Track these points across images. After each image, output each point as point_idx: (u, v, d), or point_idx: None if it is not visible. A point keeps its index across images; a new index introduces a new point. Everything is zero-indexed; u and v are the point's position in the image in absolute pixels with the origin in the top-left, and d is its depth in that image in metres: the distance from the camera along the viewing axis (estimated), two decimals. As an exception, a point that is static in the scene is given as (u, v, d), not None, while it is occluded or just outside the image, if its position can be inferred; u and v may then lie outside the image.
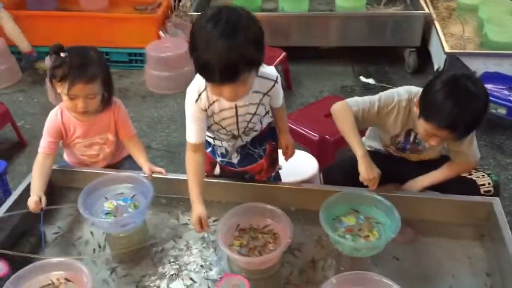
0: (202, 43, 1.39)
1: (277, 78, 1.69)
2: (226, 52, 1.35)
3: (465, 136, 1.77)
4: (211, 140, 1.88)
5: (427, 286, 1.60)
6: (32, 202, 1.79)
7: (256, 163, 1.91)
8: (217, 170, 1.99)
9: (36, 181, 1.87)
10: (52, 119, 1.98)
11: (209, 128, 1.76)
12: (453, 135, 1.70)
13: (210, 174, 1.98)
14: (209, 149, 1.92)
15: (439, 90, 1.67)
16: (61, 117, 1.97)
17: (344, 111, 1.91)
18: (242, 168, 1.92)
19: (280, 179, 2.06)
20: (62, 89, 1.86)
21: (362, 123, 1.93)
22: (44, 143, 1.96)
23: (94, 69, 1.86)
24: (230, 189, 1.93)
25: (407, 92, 1.88)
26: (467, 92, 1.64)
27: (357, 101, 1.92)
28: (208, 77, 1.45)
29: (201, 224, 1.63)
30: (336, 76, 3.90)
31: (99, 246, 1.79)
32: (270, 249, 1.65)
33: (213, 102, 1.64)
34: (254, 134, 1.84)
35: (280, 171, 2.11)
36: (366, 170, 1.78)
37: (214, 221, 1.83)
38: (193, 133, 1.70)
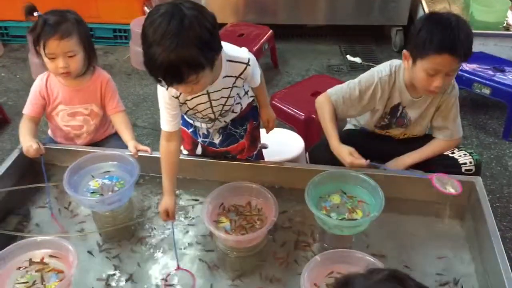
0: (147, 43, 1.36)
1: (248, 61, 1.64)
2: (168, 55, 1.32)
3: (465, 58, 1.73)
4: (191, 121, 1.88)
5: (409, 263, 1.63)
6: (31, 149, 1.83)
7: (237, 143, 1.91)
8: (198, 150, 1.99)
9: (26, 134, 1.90)
10: (37, 82, 2.01)
11: (185, 114, 1.75)
12: (454, 57, 1.69)
13: (192, 154, 1.98)
14: (191, 130, 1.92)
15: (423, 25, 1.72)
16: (46, 81, 2.00)
17: (323, 103, 1.96)
18: (224, 148, 1.92)
19: (262, 158, 2.06)
20: (42, 51, 1.88)
21: (346, 111, 1.94)
22: (28, 105, 2.01)
23: (69, 25, 1.86)
24: (216, 167, 1.94)
25: (388, 66, 1.89)
26: (449, 17, 1.72)
27: (336, 89, 1.94)
28: (155, 79, 1.41)
29: (167, 215, 1.65)
30: (323, 55, 3.89)
31: (85, 224, 1.79)
32: (256, 227, 1.67)
33: None
34: (233, 115, 1.84)
35: (265, 150, 2.12)
36: (345, 157, 1.82)
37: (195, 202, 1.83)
38: (165, 121, 1.67)
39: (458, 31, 1.68)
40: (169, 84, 1.42)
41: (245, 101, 1.84)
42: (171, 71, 1.35)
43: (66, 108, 2.02)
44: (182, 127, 1.88)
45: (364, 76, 1.92)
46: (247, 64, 1.65)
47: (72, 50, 1.89)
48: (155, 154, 1.95)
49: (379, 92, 1.89)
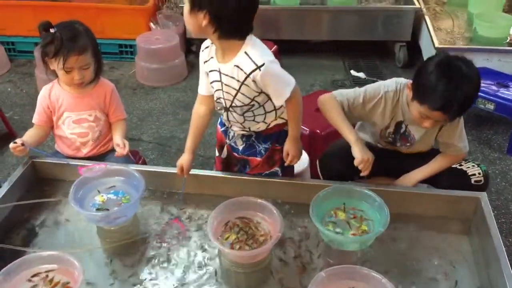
0: None
1: (261, 65, 1.61)
2: None
3: (456, 117, 1.79)
4: (225, 122, 1.91)
5: (415, 279, 1.62)
6: (11, 145, 1.89)
7: (256, 157, 1.92)
8: (224, 153, 2.00)
9: (24, 136, 1.98)
10: (42, 93, 2.09)
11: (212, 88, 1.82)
12: (445, 116, 1.72)
13: (219, 155, 2.04)
14: (223, 129, 1.97)
15: (432, 72, 1.70)
16: (50, 91, 2.07)
17: (330, 101, 1.94)
18: (245, 156, 1.93)
19: (292, 174, 2.07)
20: (57, 64, 1.94)
21: (348, 114, 1.94)
22: (35, 115, 2.08)
23: (85, 40, 1.95)
24: (221, 182, 1.94)
25: (394, 83, 1.91)
26: (460, 73, 1.68)
27: (342, 92, 1.96)
28: None
29: (182, 170, 1.86)
30: (327, 70, 3.91)
31: (92, 239, 1.79)
32: (260, 243, 1.66)
33: (210, 58, 1.75)
34: (256, 125, 1.82)
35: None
36: (360, 152, 1.80)
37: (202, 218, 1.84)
38: (200, 84, 1.86)
39: (461, 91, 1.66)
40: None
41: (271, 118, 1.82)
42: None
43: (71, 114, 2.06)
44: (218, 125, 2.00)
45: (371, 87, 1.94)
46: (258, 67, 1.62)
47: (88, 63, 1.97)
48: (161, 169, 1.97)
49: (381, 105, 1.90)
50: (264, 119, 1.81)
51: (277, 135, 1.88)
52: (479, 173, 1.94)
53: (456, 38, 3.53)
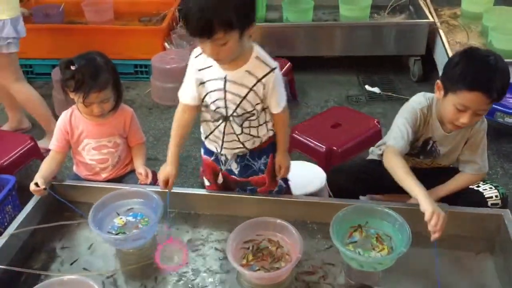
0: None
1: (274, 69, 1.66)
2: (203, 6, 1.43)
3: (498, 98, 1.70)
4: (213, 149, 1.88)
5: (438, 300, 1.59)
6: (31, 186, 1.89)
7: (257, 176, 1.91)
8: (220, 180, 1.98)
9: (39, 172, 1.98)
10: (61, 118, 2.09)
11: (202, 102, 1.76)
12: (486, 97, 1.67)
13: (213, 183, 1.99)
14: (212, 158, 1.92)
15: (459, 61, 1.71)
16: (70, 116, 2.07)
17: (392, 157, 1.82)
18: (244, 178, 1.92)
19: (290, 192, 2.05)
20: (76, 98, 1.95)
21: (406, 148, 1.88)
22: (54, 141, 2.09)
23: (105, 76, 1.95)
24: (239, 203, 1.93)
25: (423, 97, 1.89)
26: (487, 56, 1.69)
27: (395, 138, 1.86)
28: (187, 29, 1.51)
29: (166, 183, 1.78)
30: (342, 86, 3.90)
31: (111, 262, 1.79)
32: (280, 264, 1.65)
33: (208, 67, 1.68)
34: (249, 139, 1.80)
35: (290, 183, 2.10)
36: (431, 206, 1.60)
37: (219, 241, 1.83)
38: (186, 93, 1.76)
39: (495, 70, 1.66)
40: (199, 36, 1.49)
41: (263, 131, 1.81)
42: (203, 23, 1.44)
43: (91, 141, 2.07)
44: (204, 155, 1.93)
45: (406, 112, 1.88)
46: (272, 69, 1.66)
47: (108, 97, 1.98)
48: (178, 190, 1.97)
49: (422, 122, 1.89)
50: (258, 133, 1.80)
51: (270, 148, 1.88)
52: (497, 196, 1.91)
53: (471, 51, 3.50)
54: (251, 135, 1.80)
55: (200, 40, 1.53)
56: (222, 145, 1.83)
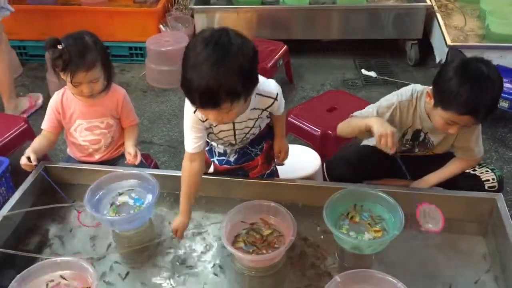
0: (188, 65, 1.38)
1: (277, 96, 1.67)
2: (207, 77, 1.34)
3: (485, 119, 1.74)
4: (208, 141, 1.88)
5: (430, 282, 1.61)
6: (22, 160, 1.89)
7: (252, 160, 1.91)
8: (210, 169, 1.99)
9: (31, 147, 1.96)
10: (53, 98, 2.07)
11: (207, 136, 1.75)
12: (474, 119, 1.69)
13: (204, 172, 1.97)
14: (207, 148, 1.92)
15: (452, 77, 1.66)
16: (61, 97, 2.06)
17: (344, 122, 1.95)
18: (238, 165, 1.92)
19: (277, 175, 2.05)
20: (65, 77, 1.93)
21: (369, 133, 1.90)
22: (45, 121, 2.08)
23: (93, 54, 1.91)
24: (234, 186, 1.93)
25: (410, 91, 1.88)
26: (481, 75, 1.65)
27: (361, 112, 1.93)
28: (190, 100, 1.44)
29: (176, 233, 1.71)
30: (338, 69, 3.88)
31: (106, 245, 1.79)
32: (274, 247, 1.65)
33: None
34: (252, 137, 1.84)
35: (282, 167, 2.11)
36: (382, 126, 1.71)
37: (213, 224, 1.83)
38: (190, 143, 1.68)
39: (486, 92, 1.64)
40: (203, 107, 1.43)
41: (264, 124, 1.84)
42: (209, 94, 1.36)
43: (83, 122, 2.06)
44: None
45: (385, 98, 1.92)
46: (275, 99, 1.67)
47: (97, 77, 1.95)
48: (173, 173, 1.97)
49: (397, 115, 1.88)
50: (260, 128, 1.82)
51: (266, 134, 1.88)
52: (493, 179, 1.93)
53: (468, 36, 3.48)
54: (254, 133, 1.82)
55: (203, 109, 1.46)
56: (223, 148, 1.87)
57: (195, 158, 1.69)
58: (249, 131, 1.74)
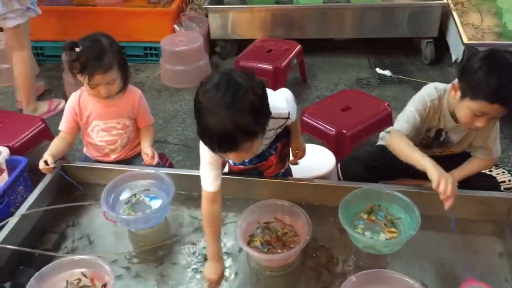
0: (200, 111, 1.38)
1: (288, 115, 1.66)
2: (223, 121, 1.33)
3: None
4: None
5: (447, 282, 1.60)
6: (40, 165, 1.93)
7: (266, 160, 1.90)
8: (225, 169, 2.00)
9: (48, 150, 1.99)
10: (70, 99, 2.10)
11: None
12: (503, 108, 1.67)
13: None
14: None
15: (480, 67, 1.65)
16: (79, 98, 2.08)
17: (397, 139, 1.82)
18: (253, 165, 1.91)
19: (291, 175, 2.05)
20: (83, 79, 1.95)
21: (414, 137, 1.88)
22: (63, 122, 2.10)
23: (110, 57, 1.94)
24: (248, 185, 1.93)
25: (434, 89, 1.86)
26: (509, 64, 1.64)
27: (401, 122, 1.86)
28: (207, 144, 1.43)
29: (215, 283, 1.59)
30: (352, 68, 3.86)
31: (122, 243, 1.81)
32: (289, 246, 1.65)
33: None
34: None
35: (296, 166, 2.10)
36: (437, 172, 1.61)
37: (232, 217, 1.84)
38: (208, 182, 1.61)
39: None
40: (223, 151, 1.42)
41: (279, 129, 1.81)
42: (227, 139, 1.35)
43: (100, 123, 2.08)
44: None
45: (417, 101, 1.87)
46: (287, 118, 1.67)
47: (113, 78, 1.97)
48: (188, 172, 1.98)
49: (431, 114, 1.87)
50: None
51: (282, 135, 1.85)
52: (510, 180, 1.91)
53: (485, 34, 3.44)
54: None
55: (223, 154, 1.45)
56: None
57: (215, 198, 1.63)
58: (266, 147, 1.76)
